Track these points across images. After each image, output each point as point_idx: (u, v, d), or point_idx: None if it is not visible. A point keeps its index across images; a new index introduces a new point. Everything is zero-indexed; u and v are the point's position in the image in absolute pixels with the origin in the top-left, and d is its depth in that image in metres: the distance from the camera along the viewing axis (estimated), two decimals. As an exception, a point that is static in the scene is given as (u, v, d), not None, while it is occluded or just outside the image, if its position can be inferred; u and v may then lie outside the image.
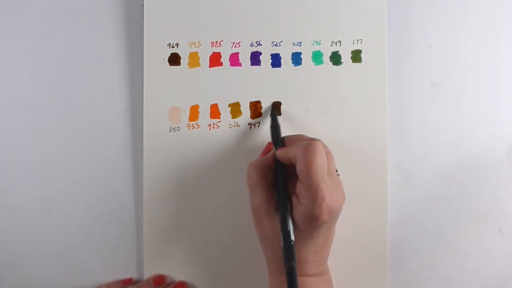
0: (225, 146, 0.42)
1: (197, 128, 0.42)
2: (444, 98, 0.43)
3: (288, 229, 0.33)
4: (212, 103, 0.42)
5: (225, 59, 0.42)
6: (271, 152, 0.37)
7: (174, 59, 0.42)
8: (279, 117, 0.42)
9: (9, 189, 0.43)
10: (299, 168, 0.33)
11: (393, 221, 0.42)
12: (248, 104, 0.42)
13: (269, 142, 0.40)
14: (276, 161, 0.36)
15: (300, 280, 0.34)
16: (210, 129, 0.42)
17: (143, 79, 0.42)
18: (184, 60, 0.42)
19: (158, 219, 0.42)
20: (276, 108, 0.42)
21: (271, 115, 0.41)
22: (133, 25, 0.43)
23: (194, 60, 0.42)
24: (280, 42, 0.42)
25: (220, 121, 0.42)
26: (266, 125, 0.42)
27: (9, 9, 0.43)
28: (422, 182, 0.43)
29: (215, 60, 0.42)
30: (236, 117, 0.42)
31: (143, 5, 0.42)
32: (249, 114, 0.42)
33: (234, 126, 0.42)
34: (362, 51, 0.42)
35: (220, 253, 0.42)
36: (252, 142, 0.42)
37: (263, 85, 0.42)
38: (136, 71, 0.43)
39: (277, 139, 0.39)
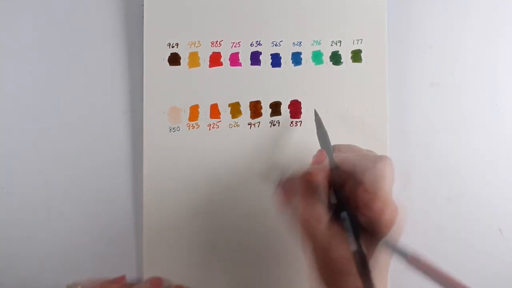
0: (225, 146, 0.42)
1: (197, 128, 0.42)
2: (444, 98, 0.43)
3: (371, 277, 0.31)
4: (212, 103, 0.42)
5: (225, 59, 0.42)
6: (326, 161, 0.35)
7: (174, 59, 0.42)
8: (281, 118, 0.42)
9: (9, 189, 0.43)
10: (371, 178, 0.32)
11: (393, 221, 0.42)
12: (248, 104, 0.42)
13: (320, 150, 0.37)
14: (333, 170, 0.34)
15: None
16: (210, 129, 0.42)
17: (143, 79, 0.42)
18: (184, 60, 0.42)
19: (158, 219, 0.42)
20: (276, 108, 0.42)
21: (316, 121, 0.39)
22: (133, 25, 0.43)
23: (194, 60, 0.42)
24: (280, 42, 0.42)
25: (220, 121, 0.42)
26: (266, 125, 0.42)
27: (9, 9, 0.43)
28: (422, 182, 0.43)
29: (215, 60, 0.42)
30: (236, 117, 0.42)
31: (143, 5, 0.42)
32: (249, 114, 0.42)
33: (234, 126, 0.42)
34: (362, 51, 0.42)
35: (220, 253, 0.42)
36: (252, 142, 0.42)
37: (263, 85, 0.42)
38: (136, 71, 0.43)
39: (329, 147, 0.37)
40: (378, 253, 0.32)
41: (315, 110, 0.40)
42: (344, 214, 0.33)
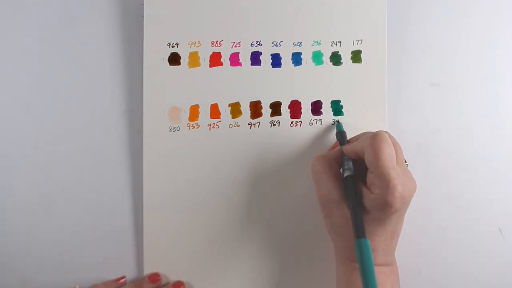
0: (225, 146, 0.42)
1: (197, 128, 0.42)
2: (444, 98, 0.43)
3: (357, 207, 0.33)
4: (212, 103, 0.42)
5: (225, 59, 0.42)
6: (337, 148, 0.38)
7: (174, 59, 0.42)
8: (281, 118, 0.42)
9: (9, 189, 0.43)
10: (368, 158, 0.33)
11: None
12: (248, 104, 0.42)
13: (336, 142, 0.41)
14: (342, 154, 0.37)
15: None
16: (210, 129, 0.42)
17: (143, 79, 0.42)
18: (184, 60, 0.42)
19: (158, 219, 0.42)
20: (276, 108, 0.42)
21: (335, 124, 0.42)
22: (133, 25, 0.43)
23: (194, 60, 0.42)
24: (281, 42, 0.42)
25: (220, 121, 0.42)
26: (266, 125, 0.42)
27: (9, 9, 0.43)
28: (422, 182, 0.43)
29: (215, 60, 0.42)
30: (236, 117, 0.42)
31: (143, 4, 0.42)
32: (249, 114, 0.42)
33: (234, 126, 0.42)
34: (362, 51, 0.42)
35: (219, 252, 0.42)
36: (252, 142, 0.42)
37: (263, 85, 0.42)
38: (136, 71, 0.42)
39: (343, 140, 0.39)
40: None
41: (337, 121, 0.42)
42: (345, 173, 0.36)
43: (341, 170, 0.37)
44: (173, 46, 0.42)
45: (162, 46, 0.42)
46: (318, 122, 0.42)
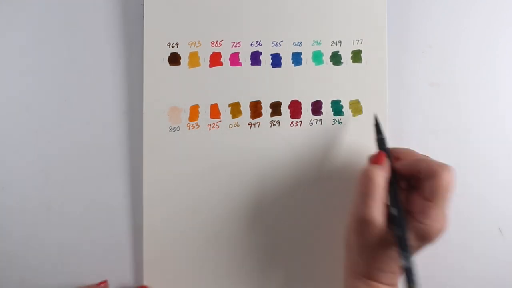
0: (225, 146, 0.42)
1: (197, 128, 0.42)
2: (444, 98, 0.43)
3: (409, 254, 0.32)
4: (212, 103, 0.42)
5: (225, 59, 0.42)
6: (386, 163, 0.36)
7: (174, 59, 0.42)
8: (281, 118, 0.42)
9: (9, 189, 0.43)
10: (435, 186, 0.32)
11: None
12: (248, 104, 0.42)
13: (379, 152, 0.37)
14: (393, 173, 0.35)
15: (376, 286, 0.35)
16: (210, 129, 0.42)
17: (143, 79, 0.42)
18: (184, 59, 0.42)
19: (158, 220, 0.42)
20: (276, 108, 0.42)
21: (375, 127, 0.39)
22: (133, 25, 0.43)
23: (194, 59, 0.42)
24: (281, 42, 0.42)
25: (220, 121, 0.42)
26: (266, 125, 0.42)
27: (9, 9, 0.43)
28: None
29: (215, 59, 0.42)
30: (236, 117, 0.42)
31: (143, 4, 0.42)
32: (249, 114, 0.42)
33: (234, 126, 0.42)
34: (362, 51, 0.42)
35: (219, 253, 0.42)
36: (252, 142, 0.42)
37: (263, 85, 0.42)
38: (136, 71, 0.42)
39: (388, 151, 0.37)
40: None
41: (375, 116, 0.39)
42: (394, 210, 0.34)
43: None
44: (173, 46, 0.42)
45: (162, 46, 0.42)
46: (318, 122, 0.42)
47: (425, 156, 0.37)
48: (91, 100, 0.43)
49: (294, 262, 0.42)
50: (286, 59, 0.42)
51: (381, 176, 0.34)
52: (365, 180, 0.34)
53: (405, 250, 0.32)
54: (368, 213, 0.33)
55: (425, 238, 0.33)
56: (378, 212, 0.33)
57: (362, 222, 0.34)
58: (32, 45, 0.43)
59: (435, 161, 0.35)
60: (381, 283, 0.35)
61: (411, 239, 0.33)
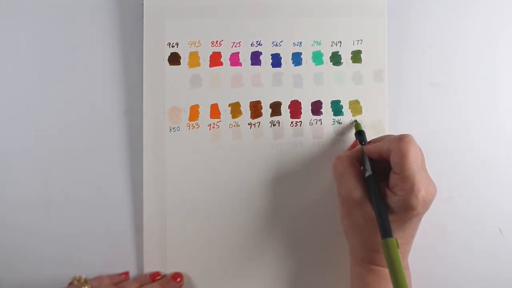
0: (225, 146, 0.42)
1: (197, 128, 0.42)
2: (444, 98, 0.43)
3: (383, 206, 0.33)
4: (212, 103, 0.42)
5: (225, 59, 0.42)
6: (357, 146, 0.38)
7: (174, 59, 0.42)
8: (281, 118, 0.42)
9: (9, 189, 0.43)
10: (394, 159, 0.33)
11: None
12: (248, 104, 0.42)
13: (355, 140, 0.41)
14: (364, 154, 0.37)
15: (384, 270, 0.35)
16: (210, 129, 0.42)
17: (143, 79, 0.42)
18: (184, 59, 0.42)
19: (157, 219, 0.42)
20: (276, 108, 0.42)
21: (353, 124, 0.42)
22: (133, 25, 0.43)
23: (194, 59, 0.42)
24: (281, 42, 0.42)
25: (220, 121, 0.42)
26: (266, 125, 0.42)
27: (9, 9, 0.43)
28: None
29: (215, 59, 0.42)
30: (236, 117, 0.42)
31: (143, 4, 0.42)
32: (249, 114, 0.42)
33: (234, 126, 0.42)
34: (362, 51, 0.42)
35: (219, 251, 0.42)
36: (252, 142, 0.42)
37: (263, 85, 0.42)
38: (136, 71, 0.42)
39: (364, 139, 0.40)
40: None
41: (355, 121, 0.42)
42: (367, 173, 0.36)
43: (361, 168, 0.37)
44: (173, 46, 0.42)
45: (162, 46, 0.42)
46: (318, 122, 0.42)
47: (392, 135, 0.37)
48: (91, 100, 0.43)
49: (297, 257, 0.42)
50: (286, 59, 0.42)
51: (344, 158, 0.37)
52: (333, 167, 0.37)
53: (379, 203, 0.33)
54: (341, 191, 0.36)
55: (406, 208, 0.33)
56: (350, 186, 0.35)
57: (342, 202, 0.36)
58: (32, 45, 0.43)
59: (392, 136, 0.36)
60: (381, 266, 0.35)
61: (397, 212, 0.33)
